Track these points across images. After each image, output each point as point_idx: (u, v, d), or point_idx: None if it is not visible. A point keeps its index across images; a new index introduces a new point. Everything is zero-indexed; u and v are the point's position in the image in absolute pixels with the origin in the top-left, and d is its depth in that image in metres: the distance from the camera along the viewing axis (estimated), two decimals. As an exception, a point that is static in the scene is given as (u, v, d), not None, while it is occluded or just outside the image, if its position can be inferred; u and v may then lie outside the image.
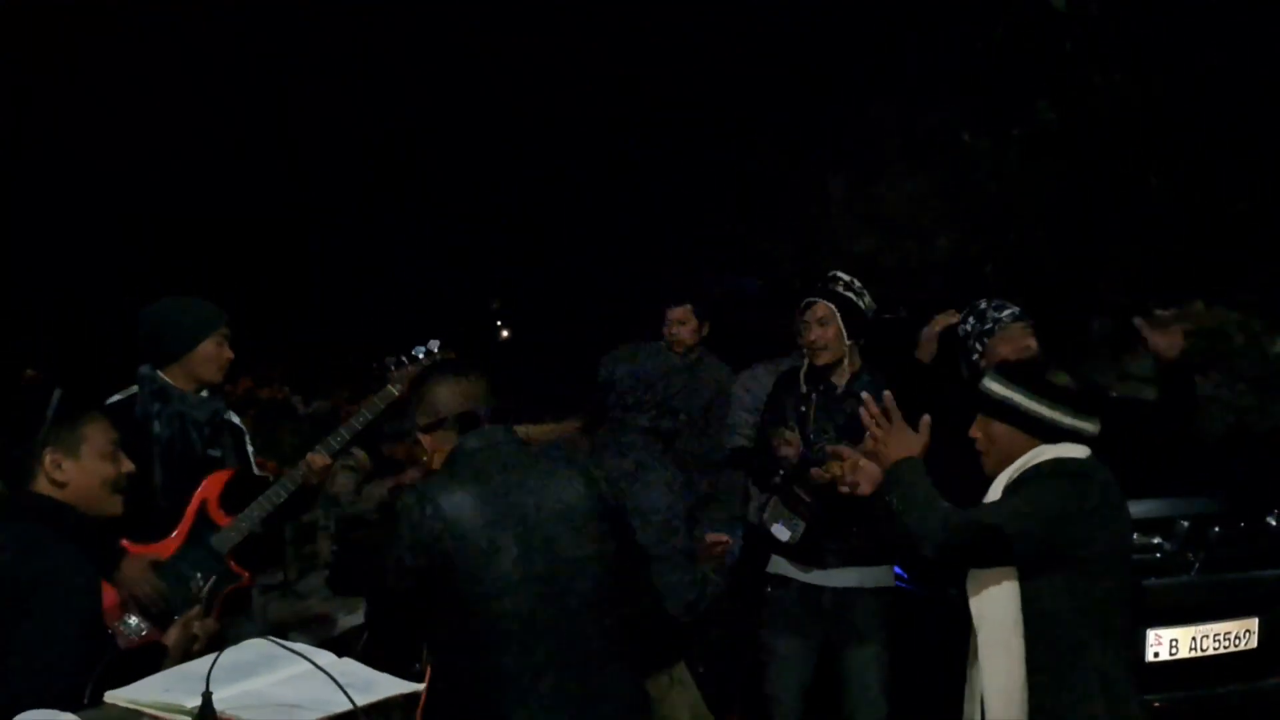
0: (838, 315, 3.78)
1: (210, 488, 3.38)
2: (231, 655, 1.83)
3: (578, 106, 13.92)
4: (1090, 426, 2.60)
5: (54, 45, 11.78)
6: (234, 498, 3.39)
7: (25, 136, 11.94)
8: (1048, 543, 2.44)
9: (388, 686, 2.04)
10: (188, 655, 2.51)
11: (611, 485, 2.66)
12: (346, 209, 15.33)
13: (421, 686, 2.11)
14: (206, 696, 1.71)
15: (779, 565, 3.83)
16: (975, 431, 2.69)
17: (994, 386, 2.66)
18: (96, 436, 2.49)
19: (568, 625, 2.44)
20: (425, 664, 2.70)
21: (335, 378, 8.89)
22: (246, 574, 3.40)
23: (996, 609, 2.49)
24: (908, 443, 2.54)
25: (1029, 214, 8.67)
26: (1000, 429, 2.64)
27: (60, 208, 12.05)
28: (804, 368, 3.87)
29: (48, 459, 2.44)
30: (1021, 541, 2.42)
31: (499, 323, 8.98)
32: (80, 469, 2.45)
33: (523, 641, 2.39)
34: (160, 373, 3.39)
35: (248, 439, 3.65)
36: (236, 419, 3.62)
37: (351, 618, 4.71)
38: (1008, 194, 8.85)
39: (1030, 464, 2.57)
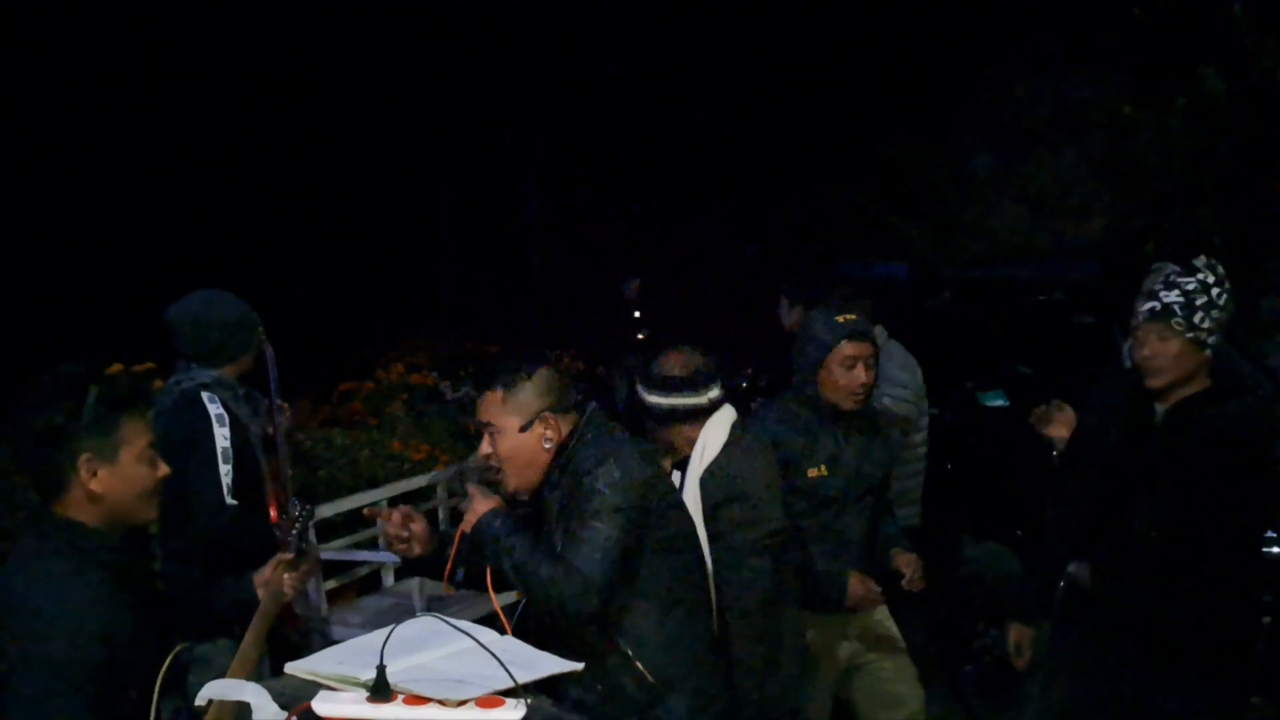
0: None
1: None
2: (401, 631, 1.89)
3: (716, 85, 13.87)
4: (663, 401, 3.06)
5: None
6: None
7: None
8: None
9: (548, 664, 2.08)
10: (277, 602, 2.52)
11: None
12: (479, 196, 15.66)
13: (580, 665, 2.14)
14: (381, 669, 1.77)
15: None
16: None
17: None
18: (135, 438, 2.16)
19: None
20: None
21: (480, 365, 9.10)
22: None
23: None
24: None
25: (1194, 189, 8.20)
26: None
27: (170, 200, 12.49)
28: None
29: (83, 469, 2.10)
30: None
31: (637, 314, 8.95)
32: (118, 477, 2.13)
33: None
34: (221, 373, 3.39)
35: None
36: None
37: (502, 596, 4.80)
38: (1171, 168, 8.40)
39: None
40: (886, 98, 11.97)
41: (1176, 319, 2.79)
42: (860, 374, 3.36)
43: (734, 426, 3.13)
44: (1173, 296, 2.80)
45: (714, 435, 3.08)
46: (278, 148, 13.29)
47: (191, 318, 3.37)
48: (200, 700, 1.85)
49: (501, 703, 1.82)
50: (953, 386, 5.56)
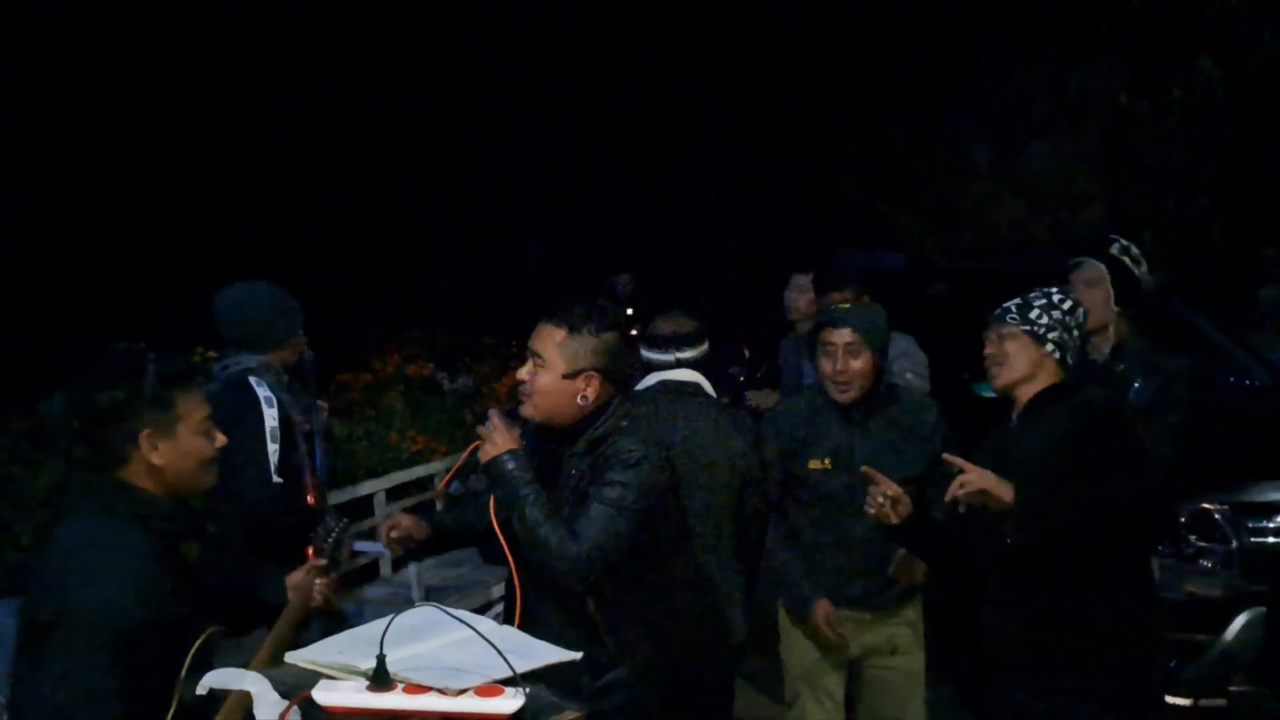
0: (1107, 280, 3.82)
1: None
2: (401, 620, 1.90)
3: (713, 79, 13.85)
4: (647, 354, 3.39)
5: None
6: None
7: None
8: None
9: (546, 654, 2.09)
10: (305, 606, 2.55)
11: None
12: (474, 190, 15.63)
13: (578, 655, 2.14)
14: (381, 658, 1.78)
15: None
16: None
17: None
18: (192, 413, 2.23)
19: None
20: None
21: (475, 355, 9.13)
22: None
23: None
24: None
25: (1192, 179, 8.21)
26: None
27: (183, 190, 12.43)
28: None
29: (144, 443, 2.16)
30: None
31: (629, 311, 8.89)
32: (177, 449, 2.20)
33: None
34: (266, 359, 3.45)
35: None
36: None
37: (501, 586, 4.82)
38: (1169, 158, 8.41)
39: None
40: (884, 89, 11.96)
41: (1011, 315, 2.97)
42: (836, 361, 3.26)
43: (668, 384, 3.34)
44: (1013, 302, 3.02)
45: (641, 384, 3.37)
46: (277, 143, 13.28)
47: (235, 303, 3.47)
48: (201, 690, 1.85)
49: (500, 691, 1.82)
50: (948, 376, 5.55)
